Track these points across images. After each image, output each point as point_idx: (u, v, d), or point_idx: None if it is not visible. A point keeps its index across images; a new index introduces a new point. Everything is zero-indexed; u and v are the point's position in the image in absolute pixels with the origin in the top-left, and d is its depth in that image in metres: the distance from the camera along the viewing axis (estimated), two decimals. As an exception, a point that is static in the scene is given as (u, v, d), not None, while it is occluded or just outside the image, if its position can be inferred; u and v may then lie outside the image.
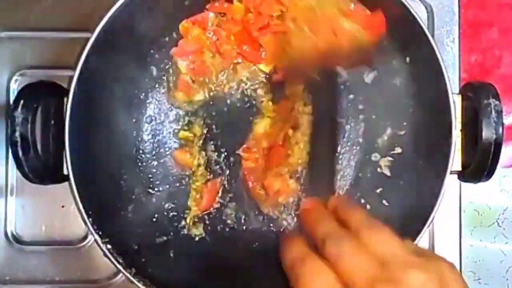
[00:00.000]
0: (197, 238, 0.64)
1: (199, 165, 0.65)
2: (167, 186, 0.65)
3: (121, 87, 0.61)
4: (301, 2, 0.57)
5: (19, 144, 0.51)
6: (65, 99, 0.53)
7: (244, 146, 0.65)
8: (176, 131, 0.66)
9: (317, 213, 0.46)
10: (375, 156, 0.64)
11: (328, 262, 0.38)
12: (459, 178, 0.57)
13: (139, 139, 0.65)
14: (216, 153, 0.65)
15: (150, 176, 0.65)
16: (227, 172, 0.65)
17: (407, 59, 0.59)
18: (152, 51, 0.64)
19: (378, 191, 0.63)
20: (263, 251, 0.63)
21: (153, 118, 0.65)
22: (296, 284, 0.39)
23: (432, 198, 0.54)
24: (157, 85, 0.65)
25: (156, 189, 0.65)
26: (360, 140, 0.65)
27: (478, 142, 0.52)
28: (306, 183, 0.64)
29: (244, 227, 0.65)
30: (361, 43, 0.56)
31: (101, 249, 0.53)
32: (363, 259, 0.37)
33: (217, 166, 0.65)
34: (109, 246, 0.53)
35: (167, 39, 0.64)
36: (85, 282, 0.67)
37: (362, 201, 0.64)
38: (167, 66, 0.65)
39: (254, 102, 0.65)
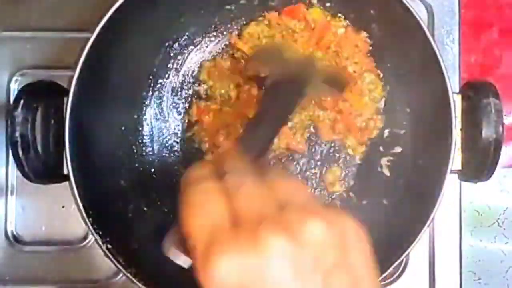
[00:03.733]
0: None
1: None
2: (168, 186, 0.65)
3: (121, 87, 0.61)
4: None
5: (19, 144, 0.51)
6: (65, 99, 0.53)
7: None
8: (176, 130, 0.66)
9: (231, 153, 0.40)
10: (375, 156, 0.65)
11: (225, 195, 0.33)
12: (459, 177, 0.57)
13: (140, 139, 0.65)
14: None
15: (150, 176, 0.65)
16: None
17: (407, 58, 0.59)
18: (152, 51, 0.64)
19: (378, 190, 0.63)
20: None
21: (154, 117, 0.65)
22: (183, 205, 0.33)
23: (432, 197, 0.54)
24: (157, 85, 0.65)
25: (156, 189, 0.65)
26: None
27: (478, 141, 0.52)
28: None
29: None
30: None
31: (102, 249, 0.53)
32: (260, 196, 0.33)
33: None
34: (109, 246, 0.53)
35: (170, 42, 0.65)
36: (85, 282, 0.67)
37: (363, 201, 0.64)
38: (168, 66, 0.65)
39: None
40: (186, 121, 0.66)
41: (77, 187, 0.53)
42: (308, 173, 0.66)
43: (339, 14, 0.64)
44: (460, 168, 0.55)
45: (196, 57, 0.66)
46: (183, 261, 0.35)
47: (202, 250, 0.31)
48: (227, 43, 0.66)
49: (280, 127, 0.50)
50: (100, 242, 0.53)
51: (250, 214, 0.32)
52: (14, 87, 0.68)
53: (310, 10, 0.64)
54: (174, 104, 0.66)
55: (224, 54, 0.66)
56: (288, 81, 0.52)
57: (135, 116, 0.64)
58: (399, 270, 0.66)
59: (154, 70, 0.65)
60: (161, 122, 0.66)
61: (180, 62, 0.66)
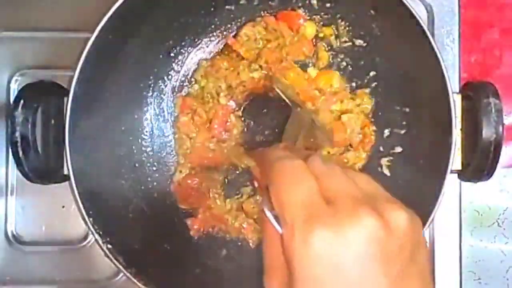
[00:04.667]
0: (196, 239, 0.65)
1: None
2: (168, 186, 0.65)
3: (121, 87, 0.61)
4: None
5: (19, 144, 0.51)
6: (65, 99, 0.53)
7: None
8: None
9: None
10: (375, 156, 0.65)
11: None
12: (459, 177, 0.57)
13: (140, 139, 0.65)
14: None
15: (150, 176, 0.65)
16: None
17: (407, 58, 0.59)
18: (152, 51, 0.64)
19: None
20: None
21: (154, 117, 0.65)
22: (275, 184, 0.35)
23: (432, 198, 0.54)
24: (157, 85, 0.65)
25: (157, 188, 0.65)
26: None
27: (478, 141, 0.52)
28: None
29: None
30: None
31: (102, 249, 0.53)
32: (351, 184, 0.35)
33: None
34: (109, 246, 0.53)
35: (170, 42, 0.65)
36: (85, 282, 0.67)
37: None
38: (168, 66, 0.65)
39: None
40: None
41: (77, 187, 0.53)
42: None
43: (332, 27, 0.65)
44: (460, 168, 0.55)
45: (196, 57, 0.66)
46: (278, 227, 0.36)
47: (301, 222, 0.33)
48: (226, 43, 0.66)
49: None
50: (100, 242, 0.53)
51: (342, 195, 0.34)
52: (14, 87, 0.68)
53: (305, 24, 0.65)
54: (174, 104, 0.66)
55: (222, 54, 0.66)
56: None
57: (135, 116, 0.64)
58: (399, 270, 0.66)
59: (155, 70, 0.65)
60: (161, 122, 0.66)
61: (180, 62, 0.66)
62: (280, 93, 0.61)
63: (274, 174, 0.35)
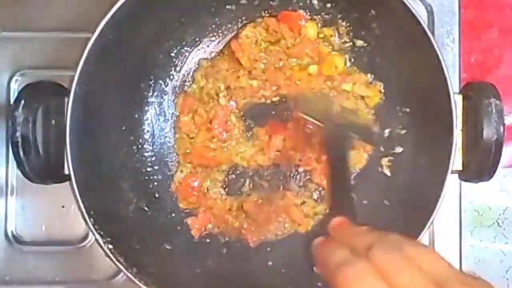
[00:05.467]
0: (197, 239, 0.65)
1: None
2: (169, 186, 0.65)
3: (121, 87, 0.61)
4: None
5: (20, 144, 0.51)
6: (66, 99, 0.53)
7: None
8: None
9: (348, 228, 0.43)
10: (375, 156, 0.65)
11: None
12: (459, 177, 0.57)
13: (140, 139, 0.65)
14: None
15: (151, 175, 0.65)
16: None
17: (408, 59, 0.59)
18: (153, 51, 0.64)
19: (378, 190, 0.63)
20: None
21: (154, 117, 0.65)
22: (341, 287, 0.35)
23: (433, 197, 0.54)
24: (158, 84, 0.65)
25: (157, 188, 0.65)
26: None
27: (479, 141, 0.52)
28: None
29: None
30: None
31: (103, 249, 0.53)
32: (418, 276, 0.34)
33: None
34: (110, 246, 0.53)
35: (170, 41, 0.65)
36: (85, 282, 0.67)
37: (364, 201, 0.64)
38: (169, 66, 0.65)
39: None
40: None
41: (78, 187, 0.53)
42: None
43: (332, 28, 0.65)
44: (460, 168, 0.55)
45: (196, 57, 0.66)
46: None
47: None
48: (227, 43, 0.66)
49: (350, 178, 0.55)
50: (101, 242, 0.53)
51: None
52: (14, 87, 0.68)
53: (307, 24, 0.65)
54: (174, 104, 0.66)
55: (223, 54, 0.66)
56: (341, 137, 0.60)
57: (136, 116, 0.64)
58: (399, 270, 0.66)
59: (155, 70, 0.65)
60: (161, 122, 0.66)
61: (180, 62, 0.66)
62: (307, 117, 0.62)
63: (338, 284, 0.35)
